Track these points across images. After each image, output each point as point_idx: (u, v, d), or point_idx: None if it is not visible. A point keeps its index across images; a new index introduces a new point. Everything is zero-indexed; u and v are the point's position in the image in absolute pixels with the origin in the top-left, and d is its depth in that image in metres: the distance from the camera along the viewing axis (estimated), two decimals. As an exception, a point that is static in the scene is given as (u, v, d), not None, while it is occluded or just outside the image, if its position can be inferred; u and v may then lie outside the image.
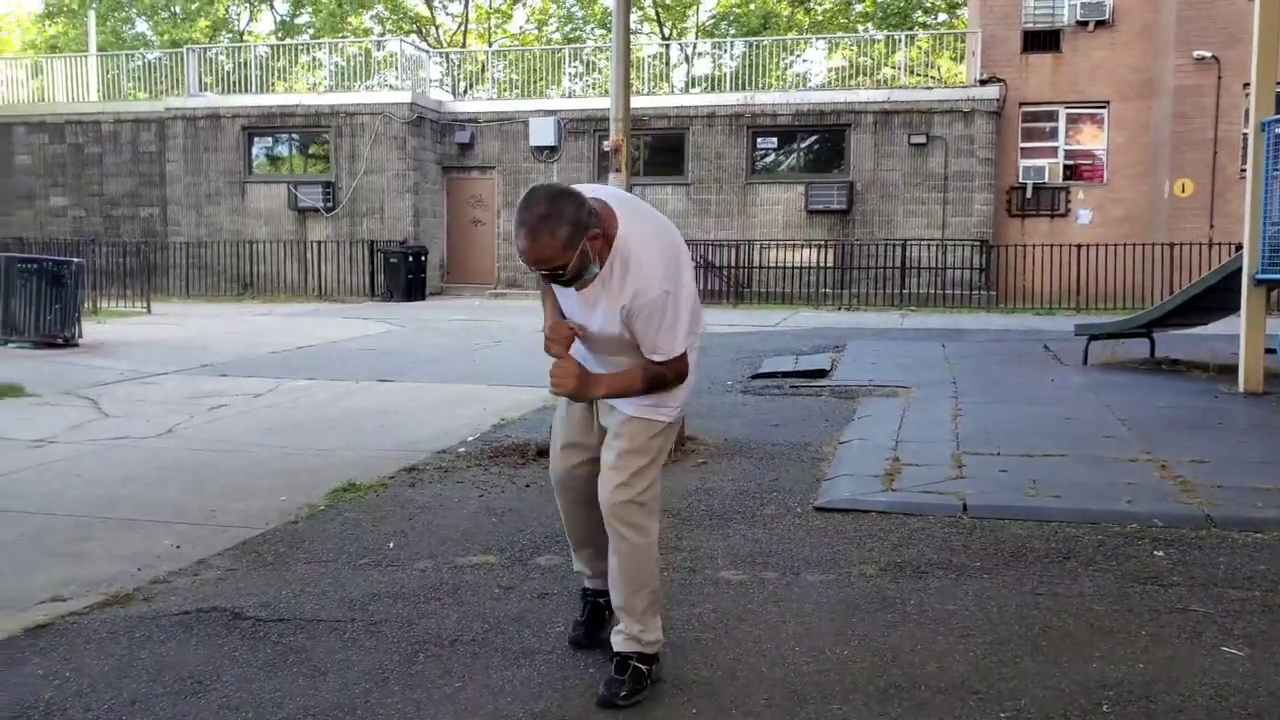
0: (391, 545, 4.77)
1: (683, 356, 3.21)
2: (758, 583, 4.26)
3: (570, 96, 26.61)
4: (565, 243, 2.93)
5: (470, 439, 7.26)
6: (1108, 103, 22.16)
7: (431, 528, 5.07)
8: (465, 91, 30.14)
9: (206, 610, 3.92)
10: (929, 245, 21.89)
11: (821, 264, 22.20)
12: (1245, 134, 10.58)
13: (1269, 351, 9.24)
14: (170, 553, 4.66)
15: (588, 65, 33.07)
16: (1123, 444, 6.84)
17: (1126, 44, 21.94)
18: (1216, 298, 10.25)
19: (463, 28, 40.67)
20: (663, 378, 3.17)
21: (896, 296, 21.48)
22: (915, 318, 18.48)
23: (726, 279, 22.14)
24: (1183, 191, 20.95)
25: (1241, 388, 9.01)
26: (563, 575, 4.30)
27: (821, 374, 10.44)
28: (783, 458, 6.59)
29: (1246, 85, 10.38)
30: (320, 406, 8.78)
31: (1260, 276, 8.99)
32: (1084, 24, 21.99)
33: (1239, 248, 9.64)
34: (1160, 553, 4.60)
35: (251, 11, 42.17)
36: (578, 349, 3.26)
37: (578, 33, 39.18)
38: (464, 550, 4.69)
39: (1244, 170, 10.19)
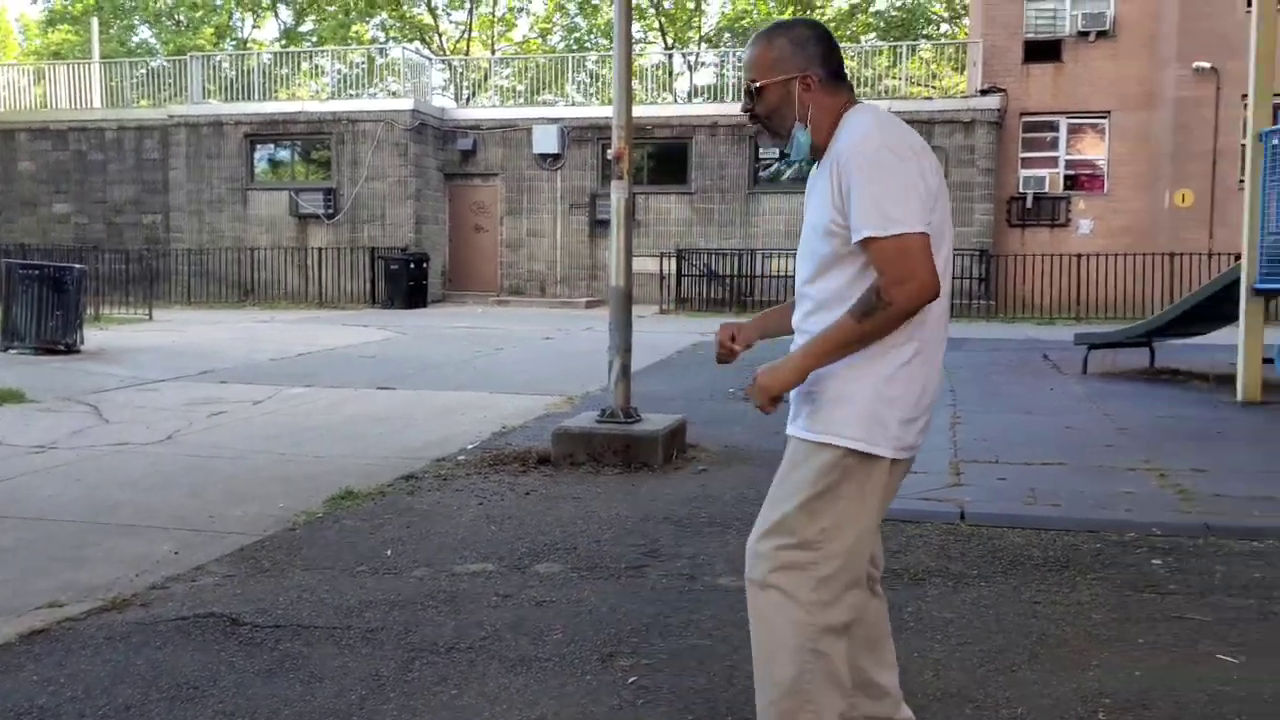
0: (389, 552, 4.77)
1: (912, 244, 2.28)
2: (755, 590, 4.25)
3: (574, 104, 26.67)
4: (776, 57, 2.48)
5: (470, 446, 7.26)
6: (1109, 113, 22.19)
7: (429, 535, 5.07)
8: (469, 99, 30.22)
9: (204, 616, 3.92)
10: (930, 254, 21.88)
11: (823, 273, 22.16)
12: (1244, 145, 10.61)
13: (1267, 361, 9.26)
14: (169, 558, 4.66)
15: (591, 75, 33.18)
16: (1122, 453, 6.84)
17: (1128, 55, 21.97)
18: (1216, 307, 10.27)
19: (466, 35, 40.77)
20: (880, 301, 2.30)
21: (897, 305, 21.44)
22: (916, 327, 18.44)
23: (728, 287, 22.14)
24: (1183, 202, 20.96)
25: (1240, 397, 9.01)
26: (561, 583, 4.31)
27: (821, 382, 10.43)
28: (782, 466, 6.58)
29: (1245, 97, 10.40)
30: (319, 414, 8.79)
31: (1259, 286, 9.01)
32: (1085, 34, 22.04)
33: (1238, 258, 9.68)
34: (1158, 561, 4.60)
35: (255, 19, 42.28)
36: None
37: (582, 41, 39.27)
38: (462, 558, 4.69)
39: (1243, 181, 10.21)
